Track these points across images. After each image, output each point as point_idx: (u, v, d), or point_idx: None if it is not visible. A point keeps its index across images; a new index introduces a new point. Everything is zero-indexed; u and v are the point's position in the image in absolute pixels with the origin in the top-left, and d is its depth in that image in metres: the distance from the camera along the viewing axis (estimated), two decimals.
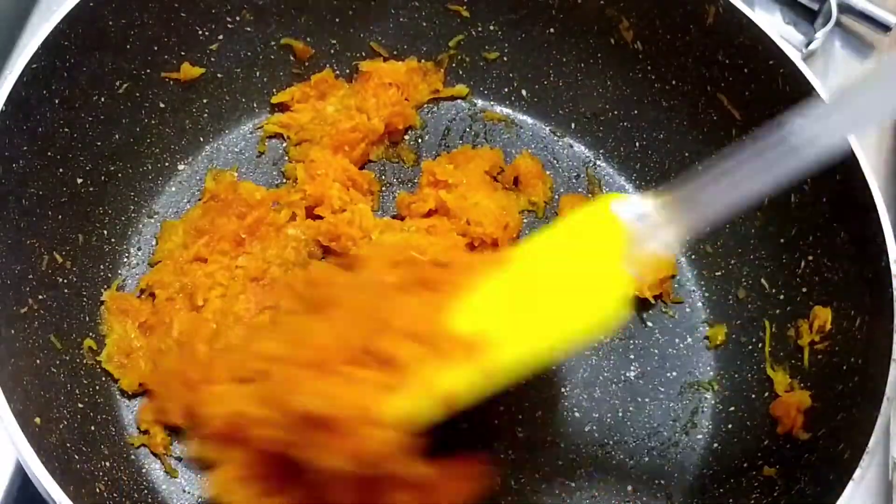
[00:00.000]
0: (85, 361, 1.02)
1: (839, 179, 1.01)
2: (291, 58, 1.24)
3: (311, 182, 1.16)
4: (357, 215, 1.14)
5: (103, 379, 1.04)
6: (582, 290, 0.87)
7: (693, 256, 1.20)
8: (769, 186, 0.79)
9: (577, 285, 0.87)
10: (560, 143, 1.28)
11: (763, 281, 1.12)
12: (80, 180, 1.07)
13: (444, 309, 0.85)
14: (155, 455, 1.01)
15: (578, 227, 0.91)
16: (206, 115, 1.21)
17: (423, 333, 0.83)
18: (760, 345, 1.10)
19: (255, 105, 1.24)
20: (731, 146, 1.12)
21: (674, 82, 1.19)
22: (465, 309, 0.85)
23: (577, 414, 1.09)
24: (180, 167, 1.20)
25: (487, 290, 0.87)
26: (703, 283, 1.18)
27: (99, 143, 1.09)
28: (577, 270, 0.87)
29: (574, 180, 1.25)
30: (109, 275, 1.10)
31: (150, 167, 1.16)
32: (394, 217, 1.19)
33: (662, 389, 1.11)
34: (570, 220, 0.95)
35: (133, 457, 1.00)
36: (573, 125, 1.28)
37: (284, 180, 1.20)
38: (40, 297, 0.99)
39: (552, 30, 1.24)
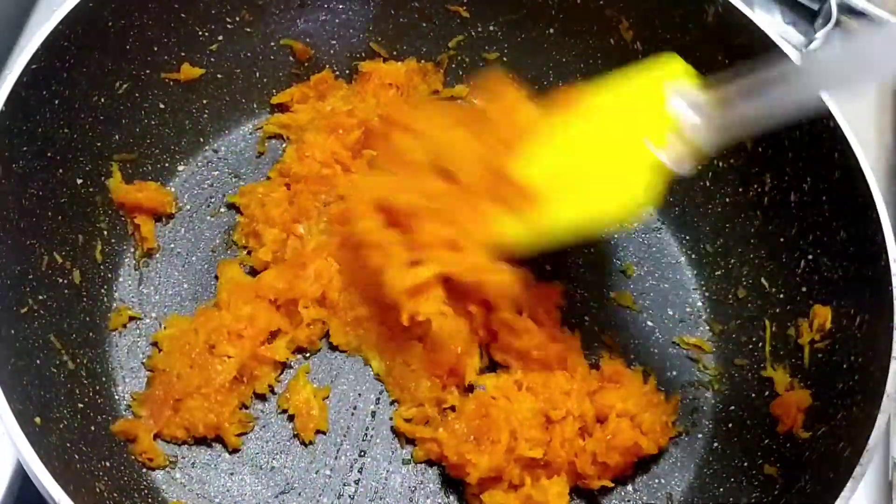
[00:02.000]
0: (85, 361, 1.02)
1: (838, 178, 1.01)
2: (291, 58, 1.25)
3: (298, 162, 1.16)
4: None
5: (103, 379, 1.04)
6: (619, 167, 0.97)
7: (693, 256, 1.20)
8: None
9: (617, 161, 0.97)
10: None
11: (763, 280, 1.12)
12: (79, 181, 1.07)
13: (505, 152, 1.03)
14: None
15: (629, 97, 1.00)
16: (205, 115, 1.21)
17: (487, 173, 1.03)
18: (761, 344, 1.10)
19: (254, 105, 1.25)
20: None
21: None
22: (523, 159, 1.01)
23: None
24: (180, 168, 1.20)
25: (544, 144, 1.02)
26: (703, 282, 1.18)
27: (99, 144, 1.09)
28: (618, 145, 0.98)
29: None
30: (109, 275, 1.10)
31: (149, 168, 1.16)
32: None
33: (663, 388, 1.11)
34: (625, 86, 1.01)
35: (133, 456, 1.00)
36: None
37: None
38: (40, 297, 0.99)
39: (552, 30, 1.24)
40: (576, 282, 1.16)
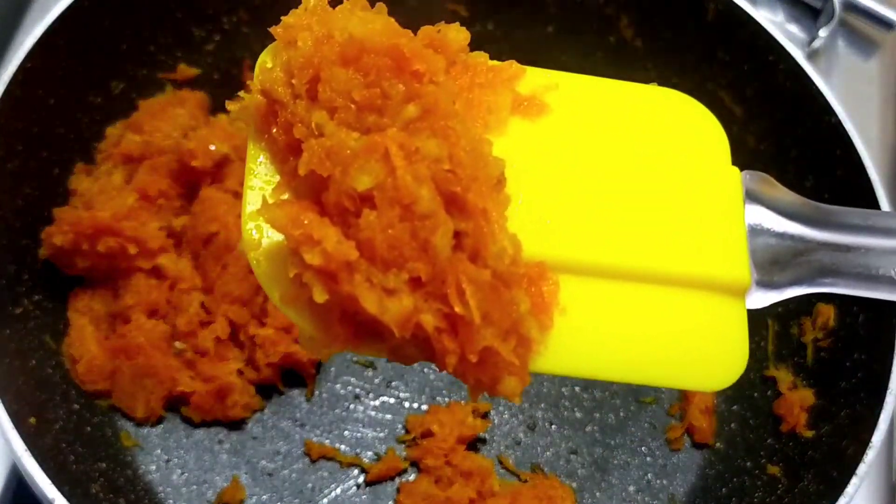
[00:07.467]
0: None
1: (841, 175, 1.00)
2: None
3: None
4: None
5: None
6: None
7: None
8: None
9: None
10: None
11: None
12: None
13: None
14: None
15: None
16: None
17: None
18: (763, 343, 1.09)
19: None
20: None
21: (674, 80, 1.18)
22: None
23: (578, 414, 1.08)
24: None
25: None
26: None
27: (95, 144, 1.08)
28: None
29: None
30: None
31: None
32: None
33: (665, 389, 1.10)
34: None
35: (129, 458, 0.99)
36: None
37: None
38: (35, 297, 0.98)
39: (552, 28, 1.23)
40: None
